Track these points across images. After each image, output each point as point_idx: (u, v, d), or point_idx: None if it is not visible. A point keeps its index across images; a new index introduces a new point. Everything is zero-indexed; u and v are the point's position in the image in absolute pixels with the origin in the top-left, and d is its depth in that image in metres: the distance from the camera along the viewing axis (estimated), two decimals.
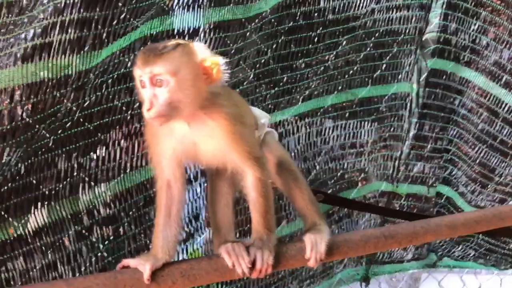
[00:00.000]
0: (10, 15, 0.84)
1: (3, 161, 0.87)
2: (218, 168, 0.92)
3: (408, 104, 1.55)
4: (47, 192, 1.00)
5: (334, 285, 1.77)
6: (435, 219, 1.24)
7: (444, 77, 1.56)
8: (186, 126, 0.85)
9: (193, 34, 1.15)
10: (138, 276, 0.85)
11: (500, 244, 2.01)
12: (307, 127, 1.42)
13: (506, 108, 1.64)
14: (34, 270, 1.01)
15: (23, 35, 0.83)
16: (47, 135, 0.95)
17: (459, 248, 2.08)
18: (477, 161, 1.75)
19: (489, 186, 1.78)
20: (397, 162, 1.63)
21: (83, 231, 1.07)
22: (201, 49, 0.84)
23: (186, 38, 1.12)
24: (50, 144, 0.97)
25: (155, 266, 0.85)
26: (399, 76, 1.50)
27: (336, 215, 1.57)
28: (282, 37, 1.27)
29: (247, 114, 0.93)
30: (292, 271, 1.54)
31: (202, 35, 1.15)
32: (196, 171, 1.25)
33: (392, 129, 1.58)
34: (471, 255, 2.12)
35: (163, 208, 0.89)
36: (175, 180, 0.89)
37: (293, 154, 1.42)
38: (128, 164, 1.13)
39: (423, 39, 1.49)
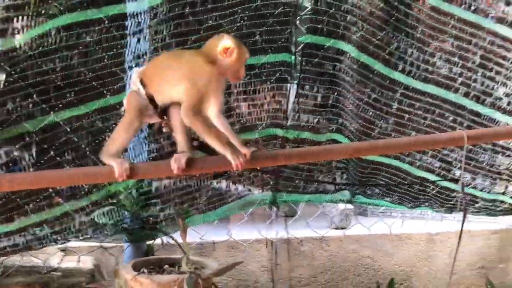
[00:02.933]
0: None
1: None
2: None
3: (289, 70, 2.02)
4: None
5: (244, 205, 2.31)
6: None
7: (321, 49, 2.01)
8: None
9: None
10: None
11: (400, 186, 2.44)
12: None
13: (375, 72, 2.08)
14: None
15: None
16: None
17: (366, 187, 2.52)
18: (359, 115, 2.19)
19: (372, 134, 2.22)
20: (286, 114, 2.12)
21: None
22: None
23: None
24: None
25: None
26: (279, 47, 1.97)
27: None
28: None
29: None
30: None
31: None
32: None
33: (279, 88, 2.07)
34: (377, 192, 2.56)
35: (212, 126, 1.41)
36: None
37: None
38: None
39: (297, 17, 1.94)
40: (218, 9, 1.90)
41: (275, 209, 2.38)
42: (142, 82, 1.45)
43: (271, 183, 2.30)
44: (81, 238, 1.95)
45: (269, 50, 1.97)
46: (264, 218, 2.72)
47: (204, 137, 1.41)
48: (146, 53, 1.81)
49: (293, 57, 1.99)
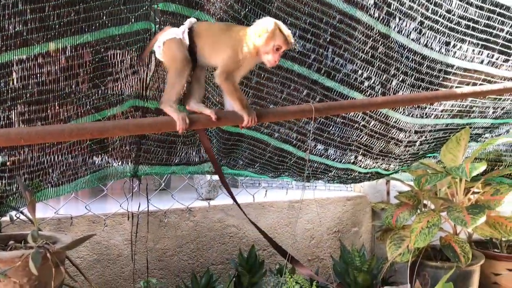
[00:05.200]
0: None
1: None
2: None
3: (149, 37, 1.97)
4: None
5: (102, 177, 2.23)
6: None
7: (178, 18, 1.98)
8: None
9: None
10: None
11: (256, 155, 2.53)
12: None
13: None
14: None
15: None
16: None
17: (230, 159, 2.58)
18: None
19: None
20: (145, 83, 2.07)
21: None
22: None
23: None
24: None
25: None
26: (139, 16, 1.90)
27: None
28: None
29: None
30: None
31: None
32: None
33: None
34: (240, 164, 2.63)
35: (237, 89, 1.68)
36: None
37: None
38: None
39: None
40: None
41: (137, 181, 2.34)
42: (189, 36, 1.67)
43: (132, 155, 2.26)
44: None
45: (132, 18, 1.89)
46: (127, 192, 2.67)
47: (229, 97, 1.69)
48: None
49: (153, 25, 1.94)
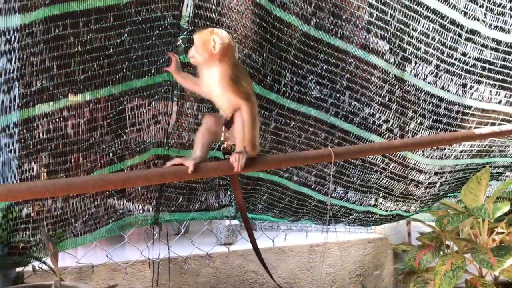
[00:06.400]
0: None
1: None
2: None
3: (170, 88, 2.02)
4: None
5: (123, 226, 2.25)
6: None
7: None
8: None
9: None
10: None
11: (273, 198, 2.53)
12: None
13: None
14: None
15: None
16: None
17: (249, 203, 2.58)
18: None
19: None
20: (167, 132, 2.11)
21: None
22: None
23: None
24: None
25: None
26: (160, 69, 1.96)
27: None
28: None
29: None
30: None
31: None
32: None
33: (160, 107, 2.05)
34: (259, 208, 2.63)
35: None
36: None
37: None
38: None
39: (177, 38, 1.95)
40: (102, 30, 1.84)
41: (163, 228, 2.35)
42: None
43: (153, 203, 2.27)
44: None
45: (154, 71, 1.95)
46: (147, 238, 2.67)
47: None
48: (22, 76, 1.71)
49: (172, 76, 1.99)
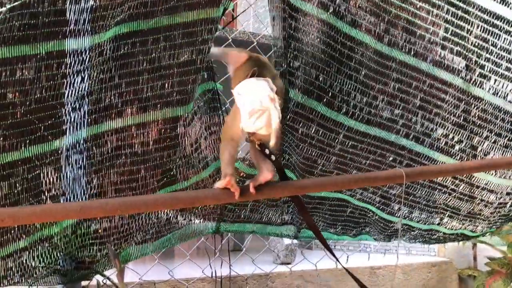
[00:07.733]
0: None
1: None
2: None
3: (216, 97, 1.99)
4: None
5: (182, 236, 2.23)
6: None
7: None
8: None
9: None
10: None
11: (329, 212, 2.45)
12: None
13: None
14: None
15: None
16: None
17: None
18: (302, 154, 2.19)
19: (314, 172, 2.22)
20: None
21: None
22: None
23: None
24: None
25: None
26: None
27: None
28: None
29: None
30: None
31: None
32: None
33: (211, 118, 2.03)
34: (321, 225, 2.55)
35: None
36: None
37: None
38: None
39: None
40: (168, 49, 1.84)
41: (219, 245, 2.32)
42: None
43: (217, 212, 2.25)
44: (5, 284, 1.80)
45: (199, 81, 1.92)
46: (208, 255, 2.65)
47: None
48: (91, 93, 1.73)
49: (217, 84, 1.97)
